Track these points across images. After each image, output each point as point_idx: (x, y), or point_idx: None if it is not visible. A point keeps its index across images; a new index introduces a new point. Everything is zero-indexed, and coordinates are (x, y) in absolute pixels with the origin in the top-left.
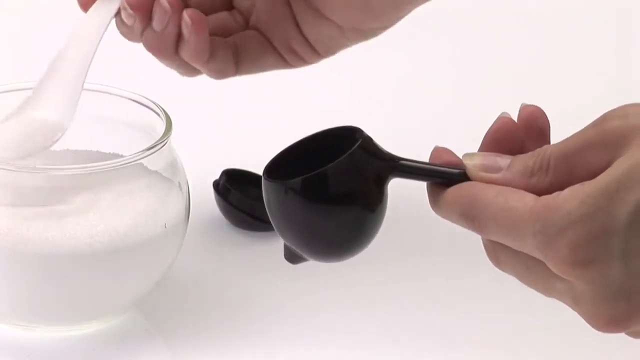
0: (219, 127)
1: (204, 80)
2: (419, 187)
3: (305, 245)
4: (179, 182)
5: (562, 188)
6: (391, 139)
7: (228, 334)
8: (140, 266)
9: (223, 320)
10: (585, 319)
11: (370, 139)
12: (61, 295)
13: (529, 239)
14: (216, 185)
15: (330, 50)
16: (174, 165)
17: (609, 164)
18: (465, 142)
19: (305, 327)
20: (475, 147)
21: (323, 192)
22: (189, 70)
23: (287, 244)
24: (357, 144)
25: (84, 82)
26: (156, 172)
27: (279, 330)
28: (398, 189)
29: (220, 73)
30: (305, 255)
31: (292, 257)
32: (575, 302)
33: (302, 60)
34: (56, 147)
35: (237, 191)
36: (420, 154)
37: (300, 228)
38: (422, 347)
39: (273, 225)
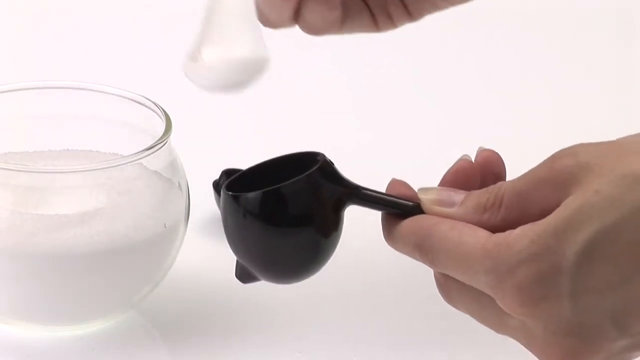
0: (219, 127)
1: None
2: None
3: (255, 262)
4: (179, 182)
5: (514, 225)
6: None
7: (228, 334)
8: (140, 266)
9: (223, 320)
10: (537, 357)
11: (331, 164)
12: (61, 295)
13: (481, 276)
14: (216, 185)
15: (422, 12)
16: (173, 165)
17: (559, 203)
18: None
19: (305, 327)
20: (432, 180)
21: (278, 209)
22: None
23: (240, 260)
24: (316, 166)
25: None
26: (156, 172)
27: (278, 331)
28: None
29: (322, 29)
30: (256, 273)
31: (244, 275)
32: (527, 340)
33: (391, 23)
34: (56, 147)
35: None
36: (377, 184)
37: (252, 243)
38: (421, 347)
39: (227, 240)
